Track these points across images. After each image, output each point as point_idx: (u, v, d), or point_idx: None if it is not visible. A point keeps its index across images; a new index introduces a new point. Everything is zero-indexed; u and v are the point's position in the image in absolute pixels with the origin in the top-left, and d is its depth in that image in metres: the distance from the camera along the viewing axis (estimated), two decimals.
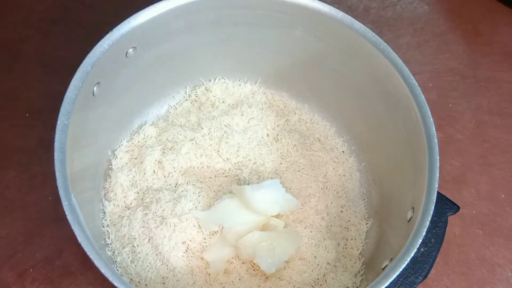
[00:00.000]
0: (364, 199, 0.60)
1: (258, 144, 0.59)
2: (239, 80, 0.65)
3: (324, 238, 0.55)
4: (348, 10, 0.75)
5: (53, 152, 0.43)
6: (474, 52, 0.75)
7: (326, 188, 0.59)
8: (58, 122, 0.44)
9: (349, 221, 0.58)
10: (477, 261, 0.60)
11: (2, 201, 0.58)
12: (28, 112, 0.63)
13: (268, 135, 0.61)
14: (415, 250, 0.44)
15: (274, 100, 0.65)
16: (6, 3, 0.70)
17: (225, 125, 0.59)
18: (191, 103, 0.63)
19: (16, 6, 0.70)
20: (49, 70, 0.65)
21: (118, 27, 0.49)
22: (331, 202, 0.58)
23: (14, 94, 0.64)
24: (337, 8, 0.53)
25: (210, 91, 0.63)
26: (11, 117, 0.62)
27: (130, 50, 0.52)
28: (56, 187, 0.42)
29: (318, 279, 0.53)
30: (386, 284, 0.43)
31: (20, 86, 0.65)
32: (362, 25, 0.53)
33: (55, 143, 0.44)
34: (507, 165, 0.66)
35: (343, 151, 0.62)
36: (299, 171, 0.58)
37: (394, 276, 0.43)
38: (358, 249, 0.57)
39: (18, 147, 0.60)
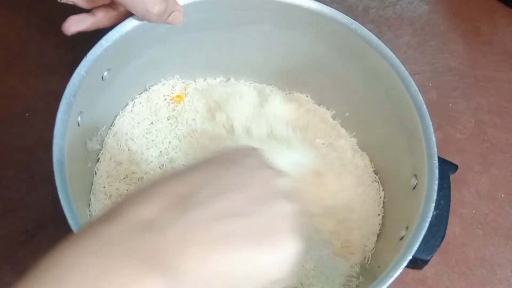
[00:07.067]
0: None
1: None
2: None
3: None
4: (348, 10, 0.75)
5: (52, 152, 0.43)
6: (474, 52, 0.74)
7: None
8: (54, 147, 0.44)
9: None
10: (477, 261, 0.60)
11: (2, 201, 0.57)
12: (28, 112, 0.63)
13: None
14: (431, 214, 0.44)
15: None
16: (7, 3, 0.70)
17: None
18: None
19: (16, 6, 0.70)
20: (49, 70, 0.65)
21: (92, 51, 0.48)
22: None
23: (14, 93, 0.64)
24: (337, 8, 0.53)
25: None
26: (11, 117, 0.62)
27: (105, 73, 0.51)
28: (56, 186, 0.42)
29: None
30: (413, 251, 0.43)
31: (19, 85, 0.65)
32: (361, 26, 0.53)
33: (54, 145, 0.43)
34: (507, 165, 0.66)
35: None
36: None
37: (417, 244, 0.43)
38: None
39: (18, 147, 0.60)
